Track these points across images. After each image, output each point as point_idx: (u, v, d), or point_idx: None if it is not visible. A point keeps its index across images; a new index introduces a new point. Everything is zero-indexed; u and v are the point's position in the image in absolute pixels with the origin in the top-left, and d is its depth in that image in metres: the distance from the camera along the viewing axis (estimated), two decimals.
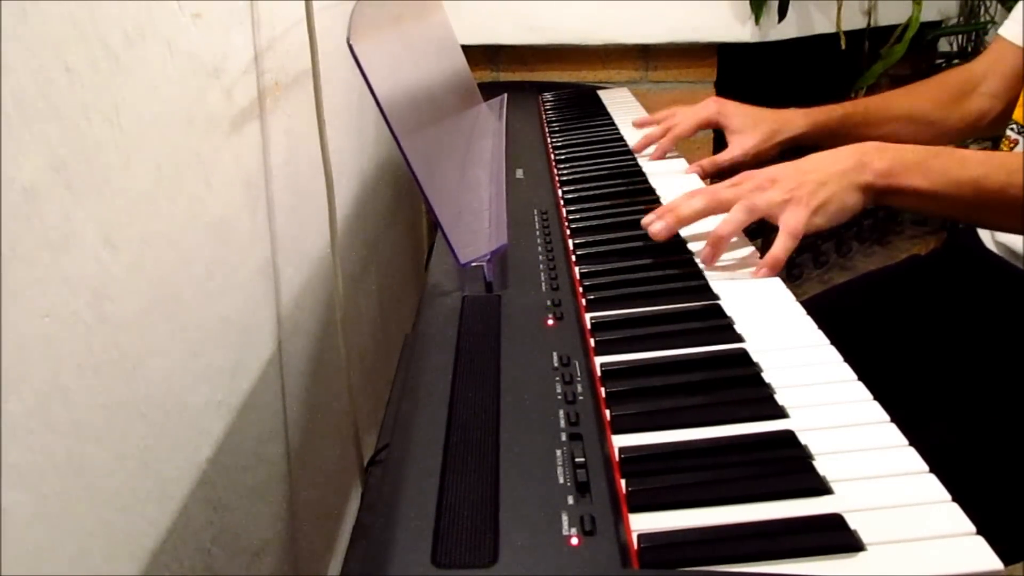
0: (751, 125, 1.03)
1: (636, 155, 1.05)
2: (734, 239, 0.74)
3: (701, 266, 0.72)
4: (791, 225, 0.70)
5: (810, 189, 0.71)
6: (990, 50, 1.04)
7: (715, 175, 1.00)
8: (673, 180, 0.96)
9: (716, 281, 0.69)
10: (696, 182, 0.96)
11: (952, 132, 1.05)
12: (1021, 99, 0.94)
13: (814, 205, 0.71)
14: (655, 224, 0.75)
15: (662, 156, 1.05)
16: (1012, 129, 0.95)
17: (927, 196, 0.72)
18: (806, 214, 0.70)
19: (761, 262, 0.71)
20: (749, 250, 0.75)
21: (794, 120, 1.03)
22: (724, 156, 1.03)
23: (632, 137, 1.12)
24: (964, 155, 0.75)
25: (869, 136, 1.03)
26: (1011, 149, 0.94)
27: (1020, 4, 1.00)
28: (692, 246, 0.76)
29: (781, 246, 0.70)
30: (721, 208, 0.74)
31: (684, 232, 0.79)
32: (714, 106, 1.06)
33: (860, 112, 1.04)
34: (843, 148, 0.75)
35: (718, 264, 0.73)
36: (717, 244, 0.72)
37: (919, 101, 1.05)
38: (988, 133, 1.05)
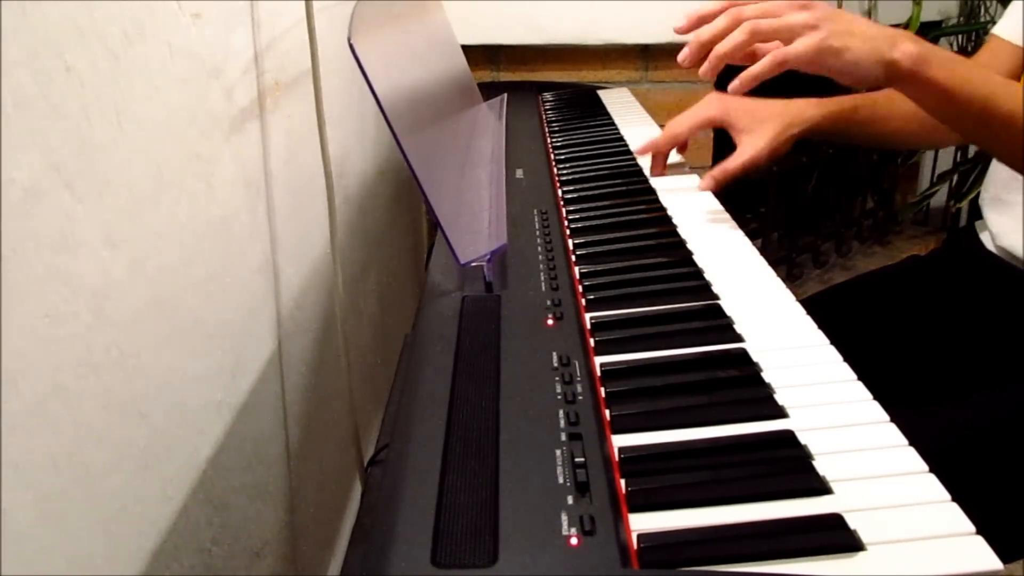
0: (759, 123, 0.96)
1: (636, 154, 1.05)
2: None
3: (701, 266, 0.72)
4: (784, 51, 0.70)
5: (835, 29, 0.71)
6: (985, 49, 1.03)
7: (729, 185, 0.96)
8: (674, 179, 0.97)
9: (717, 281, 0.69)
10: (703, 192, 0.94)
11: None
12: None
13: (830, 44, 0.70)
14: (702, 67, 0.75)
15: (663, 164, 0.99)
16: None
17: (941, 94, 0.73)
18: (814, 48, 0.70)
19: (738, 77, 0.71)
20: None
21: (806, 111, 0.98)
22: (735, 162, 0.95)
23: (632, 137, 1.12)
24: (987, 72, 0.76)
25: (878, 132, 1.02)
26: None
27: (1014, 3, 1.00)
28: (692, 246, 0.76)
29: (760, 67, 0.71)
30: (755, 37, 0.73)
31: (684, 232, 0.79)
32: (717, 104, 0.99)
33: (869, 106, 1.01)
34: (879, 25, 0.74)
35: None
36: (722, 57, 0.73)
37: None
38: None
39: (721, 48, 0.73)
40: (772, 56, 0.71)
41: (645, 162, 1.02)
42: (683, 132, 0.99)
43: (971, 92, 0.72)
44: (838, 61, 0.71)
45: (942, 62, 0.73)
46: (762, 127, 0.96)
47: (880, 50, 0.71)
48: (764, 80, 0.72)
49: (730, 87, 0.73)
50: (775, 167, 1.95)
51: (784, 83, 0.83)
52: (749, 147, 0.95)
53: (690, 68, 0.77)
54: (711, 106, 0.99)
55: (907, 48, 0.72)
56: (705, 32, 0.75)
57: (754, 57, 0.75)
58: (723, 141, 1.02)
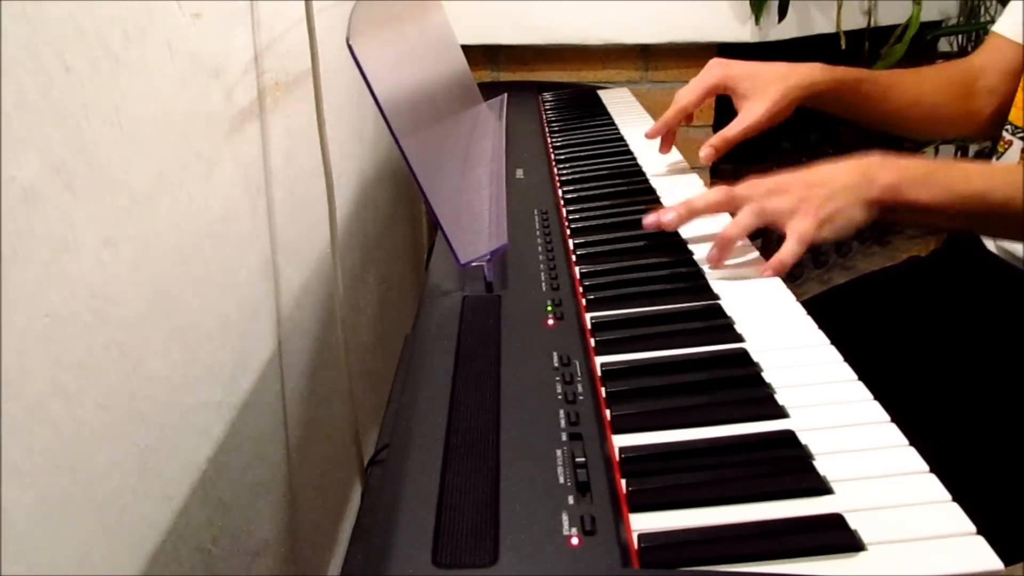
0: (761, 87, 0.94)
1: (636, 154, 1.05)
2: (739, 242, 0.74)
3: (702, 266, 0.72)
4: (800, 231, 0.70)
5: (818, 202, 0.71)
6: (986, 46, 1.03)
7: (730, 152, 0.95)
8: (674, 179, 0.96)
9: (717, 281, 0.69)
10: (698, 186, 0.94)
11: (959, 124, 1.03)
12: (1017, 100, 0.94)
13: (822, 216, 0.71)
14: (667, 214, 0.75)
15: (672, 141, 1.00)
16: (1007, 130, 0.94)
17: (932, 210, 0.72)
18: (814, 223, 0.70)
19: (767, 263, 0.71)
20: (753, 254, 0.75)
21: (812, 73, 0.95)
22: (734, 129, 0.94)
23: (632, 137, 1.12)
24: (967, 168, 0.75)
25: (880, 108, 1.02)
26: (1006, 150, 0.93)
27: (1014, 1, 1.00)
28: (692, 246, 0.76)
29: (789, 250, 0.70)
30: (733, 205, 0.74)
31: (685, 232, 0.79)
32: (718, 70, 0.97)
33: (872, 82, 0.99)
34: (848, 162, 0.74)
35: (699, 232, 0.74)
36: (725, 245, 0.72)
37: (926, 88, 1.01)
38: (987, 133, 1.05)
39: (731, 232, 0.73)
40: (795, 239, 0.71)
41: (645, 162, 1.02)
42: (690, 103, 0.98)
43: (961, 197, 0.72)
44: (833, 228, 0.71)
45: (919, 181, 0.72)
46: (764, 91, 0.94)
47: (860, 195, 0.72)
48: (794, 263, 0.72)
49: (765, 274, 0.72)
50: (775, 167, 1.96)
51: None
52: (749, 113, 0.94)
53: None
54: (713, 72, 0.98)
55: (883, 182, 0.72)
56: (698, 203, 0.76)
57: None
58: (724, 118, 0.99)
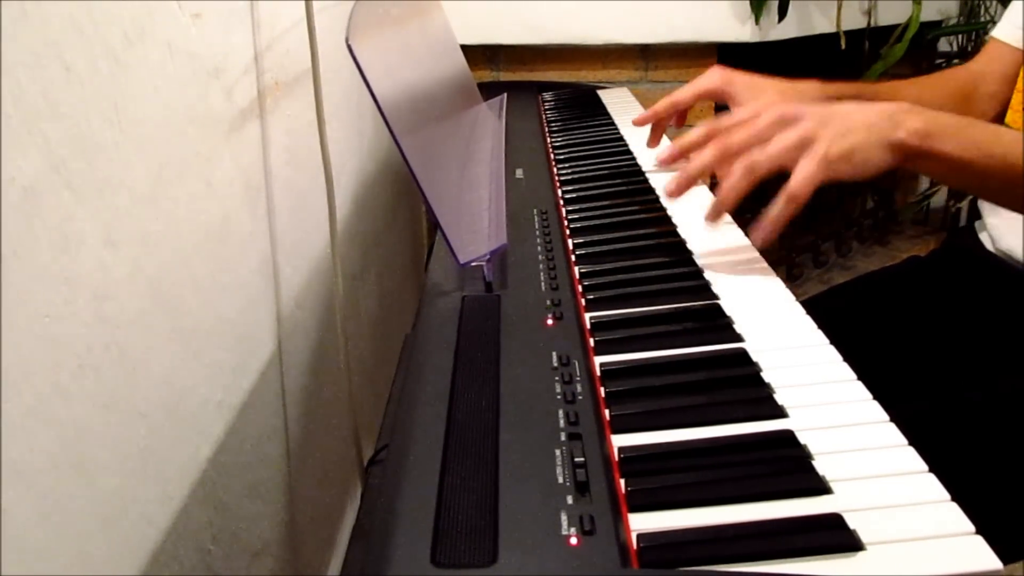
0: (759, 97, 0.94)
1: (636, 154, 1.05)
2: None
3: (701, 266, 0.72)
4: (793, 187, 0.65)
5: (833, 134, 0.66)
6: (984, 52, 1.03)
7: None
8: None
9: (717, 281, 0.69)
10: (703, 190, 0.93)
11: None
12: (1014, 103, 0.94)
13: (835, 153, 0.66)
14: (669, 185, 0.74)
15: (660, 136, 1.00)
16: None
17: (956, 164, 0.69)
18: (821, 167, 0.65)
19: (757, 225, 0.68)
20: (754, 256, 0.74)
21: (808, 91, 0.95)
22: None
23: (632, 137, 1.12)
24: (997, 129, 0.72)
25: None
26: None
27: (1012, 5, 1.00)
28: (692, 246, 0.76)
29: (778, 211, 0.66)
30: (730, 158, 0.69)
31: (684, 233, 0.79)
32: (719, 76, 0.96)
33: (871, 94, 0.97)
34: (873, 103, 0.70)
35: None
36: (718, 212, 0.71)
37: (926, 97, 1.01)
38: None
39: (724, 193, 0.70)
40: (785, 198, 0.67)
41: (645, 162, 1.02)
42: (684, 100, 0.98)
43: (988, 155, 0.68)
44: (848, 166, 0.66)
45: (949, 132, 0.68)
46: (762, 100, 0.93)
47: (884, 134, 0.67)
48: (786, 220, 0.68)
49: (754, 236, 0.70)
50: None
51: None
52: None
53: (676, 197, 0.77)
54: (713, 78, 0.97)
55: (912, 125, 0.68)
56: (694, 167, 0.73)
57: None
58: None
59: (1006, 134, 0.71)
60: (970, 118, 0.72)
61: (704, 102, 1.05)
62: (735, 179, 0.68)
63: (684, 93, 0.98)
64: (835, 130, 0.67)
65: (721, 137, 0.72)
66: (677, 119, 1.01)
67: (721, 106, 1.00)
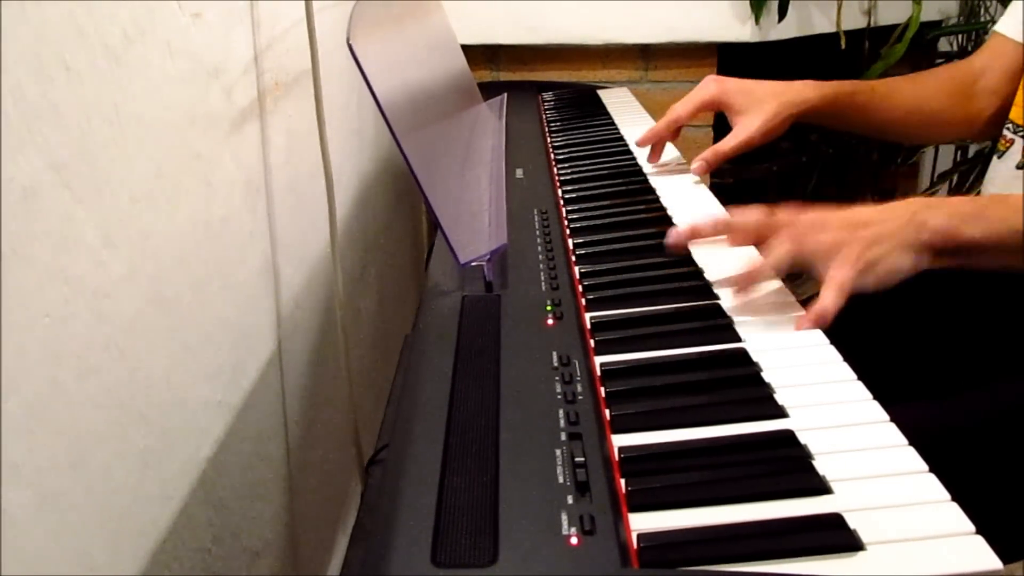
0: (755, 103, 0.95)
1: (636, 154, 1.05)
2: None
3: (701, 266, 0.72)
4: (838, 279, 0.64)
5: (862, 245, 0.65)
6: (987, 47, 1.02)
7: (721, 166, 0.95)
8: (674, 179, 0.96)
9: (717, 282, 0.69)
10: (702, 191, 0.93)
11: (959, 128, 1.03)
12: (1018, 99, 0.94)
13: (865, 261, 0.65)
14: (697, 229, 0.72)
15: (660, 151, 1.01)
16: (1008, 129, 0.94)
17: (988, 247, 0.67)
18: (855, 270, 0.64)
19: (805, 315, 0.64)
20: (780, 289, 0.69)
21: (803, 92, 0.96)
22: (728, 144, 0.94)
23: (632, 137, 1.12)
24: (1017, 200, 0.70)
25: (875, 120, 1.01)
26: (1007, 149, 0.93)
27: (1015, 0, 1.00)
28: (692, 246, 0.76)
29: (830, 301, 0.63)
30: (767, 236, 0.69)
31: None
32: (714, 86, 0.97)
33: (867, 92, 0.99)
34: (894, 204, 0.69)
35: (748, 306, 0.66)
36: (753, 279, 0.67)
37: (925, 94, 1.02)
38: (988, 134, 1.05)
39: (765, 267, 0.67)
40: (834, 288, 0.64)
41: (645, 162, 1.02)
42: (683, 115, 0.98)
43: (1016, 230, 0.67)
44: (876, 277, 0.65)
45: (972, 217, 0.67)
46: (759, 107, 0.95)
47: (909, 239, 0.66)
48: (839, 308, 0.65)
49: (801, 322, 0.65)
50: (775, 167, 1.95)
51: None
52: (742, 130, 0.94)
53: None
54: (708, 88, 0.98)
55: (934, 224, 0.66)
56: (737, 234, 0.72)
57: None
58: (723, 132, 1.00)
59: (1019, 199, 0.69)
60: (989, 197, 0.71)
61: (704, 131, 1.06)
62: (778, 253, 0.66)
63: (683, 108, 0.98)
64: (864, 243, 0.65)
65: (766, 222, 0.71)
66: (672, 135, 1.02)
67: (721, 114, 1.01)
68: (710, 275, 0.70)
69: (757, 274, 0.67)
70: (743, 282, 0.67)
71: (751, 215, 0.71)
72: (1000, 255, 0.69)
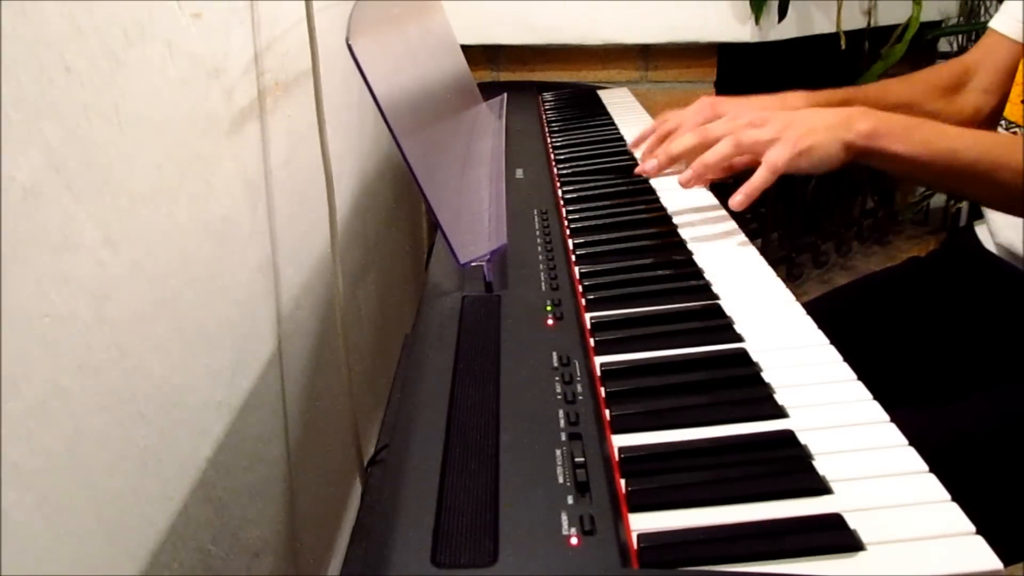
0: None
1: (636, 154, 1.05)
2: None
3: (701, 266, 0.72)
4: (772, 160, 0.76)
5: (798, 133, 0.77)
6: (981, 43, 1.02)
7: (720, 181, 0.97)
8: (674, 179, 0.96)
9: (717, 281, 0.69)
10: (702, 191, 0.94)
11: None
12: (1013, 96, 0.94)
13: (800, 148, 0.76)
14: (648, 162, 0.86)
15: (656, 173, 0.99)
16: (1001, 126, 0.94)
17: (904, 160, 0.77)
18: (791, 153, 0.76)
19: (738, 191, 0.77)
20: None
21: (795, 103, 0.98)
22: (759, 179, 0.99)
23: (632, 137, 1.12)
24: (944, 127, 0.80)
25: None
26: None
27: None
28: (692, 246, 0.76)
29: (760, 177, 0.76)
30: (710, 143, 0.81)
31: (684, 233, 0.79)
32: (709, 109, 0.99)
33: (860, 98, 1.00)
34: (833, 108, 0.81)
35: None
36: (701, 172, 0.80)
37: (915, 92, 1.03)
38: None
39: (709, 158, 0.81)
40: (766, 166, 0.77)
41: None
42: (712, 165, 0.99)
43: (934, 152, 0.77)
44: (810, 160, 0.77)
45: (897, 133, 0.77)
46: None
47: (838, 135, 0.77)
48: (763, 190, 0.78)
49: (733, 202, 0.79)
50: None
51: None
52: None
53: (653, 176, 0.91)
54: (704, 112, 0.99)
55: (860, 128, 0.77)
56: (676, 147, 0.85)
57: (730, 169, 0.85)
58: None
59: (951, 130, 0.79)
60: (921, 119, 0.80)
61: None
62: (721, 146, 0.80)
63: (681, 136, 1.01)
64: (797, 130, 0.78)
65: (702, 129, 0.84)
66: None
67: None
68: (710, 275, 0.70)
69: (705, 166, 0.80)
70: (694, 175, 0.82)
71: (687, 138, 0.85)
72: (918, 171, 0.79)
